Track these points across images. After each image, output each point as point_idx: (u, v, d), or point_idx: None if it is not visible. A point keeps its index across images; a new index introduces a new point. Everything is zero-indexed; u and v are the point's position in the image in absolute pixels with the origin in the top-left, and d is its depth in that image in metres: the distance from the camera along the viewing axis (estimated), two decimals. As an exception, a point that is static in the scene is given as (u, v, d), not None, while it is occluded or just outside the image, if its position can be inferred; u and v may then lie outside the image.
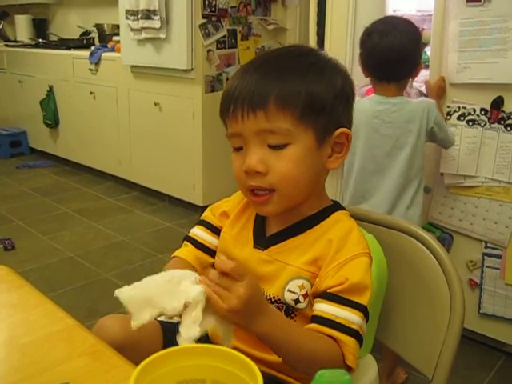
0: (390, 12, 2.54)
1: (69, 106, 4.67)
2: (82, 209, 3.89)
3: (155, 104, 3.78)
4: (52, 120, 4.80)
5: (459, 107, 2.03)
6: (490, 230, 2.05)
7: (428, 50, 2.19)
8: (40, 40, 5.36)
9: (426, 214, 2.16)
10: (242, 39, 3.70)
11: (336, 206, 1.00)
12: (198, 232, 1.09)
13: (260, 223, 1.01)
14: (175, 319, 0.82)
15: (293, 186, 0.91)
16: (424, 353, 0.98)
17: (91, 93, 4.33)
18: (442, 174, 2.11)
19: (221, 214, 1.08)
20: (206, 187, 3.63)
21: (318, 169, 0.93)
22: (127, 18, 3.68)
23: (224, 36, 3.57)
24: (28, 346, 0.85)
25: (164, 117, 3.78)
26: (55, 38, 5.34)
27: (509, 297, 2.06)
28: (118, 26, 4.07)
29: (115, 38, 4.22)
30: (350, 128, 0.95)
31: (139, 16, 3.56)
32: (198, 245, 1.08)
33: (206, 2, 3.41)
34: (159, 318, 0.83)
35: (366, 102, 1.87)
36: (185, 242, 1.10)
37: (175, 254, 1.08)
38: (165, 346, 1.02)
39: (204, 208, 1.14)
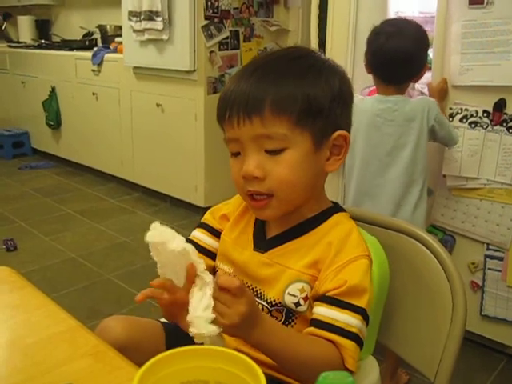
0: (391, 14, 2.54)
1: (71, 106, 4.67)
2: (84, 210, 3.90)
3: (157, 105, 3.78)
4: (54, 121, 4.80)
5: (461, 109, 2.03)
6: (492, 232, 2.05)
7: (430, 52, 2.19)
8: (42, 41, 5.37)
9: (428, 216, 2.16)
10: (244, 41, 3.70)
11: (336, 208, 1.00)
12: (199, 235, 1.09)
13: (260, 226, 1.01)
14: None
15: (291, 190, 0.90)
16: (426, 355, 0.98)
17: (93, 94, 4.34)
18: (444, 176, 2.11)
19: (221, 217, 1.08)
20: (208, 188, 3.63)
21: (316, 172, 0.93)
22: (130, 19, 3.69)
23: (226, 37, 3.58)
24: (30, 346, 0.85)
25: (166, 118, 3.78)
26: (58, 39, 5.36)
27: (510, 299, 2.06)
28: (120, 27, 4.07)
29: (118, 39, 4.23)
30: (348, 130, 0.95)
31: (142, 17, 3.56)
32: (198, 247, 1.07)
33: (209, 4, 3.42)
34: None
35: (368, 101, 1.88)
36: None
37: None
38: (167, 347, 1.02)
39: (206, 209, 1.14)
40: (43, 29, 5.71)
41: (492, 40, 1.90)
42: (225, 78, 3.58)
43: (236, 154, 0.92)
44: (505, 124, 1.95)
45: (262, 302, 0.95)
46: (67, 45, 4.84)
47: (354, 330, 0.86)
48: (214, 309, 0.77)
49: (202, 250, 1.07)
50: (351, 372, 0.84)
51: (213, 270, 1.07)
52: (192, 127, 3.60)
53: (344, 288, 0.86)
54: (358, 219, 1.04)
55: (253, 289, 0.97)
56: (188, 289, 0.80)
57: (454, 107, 2.05)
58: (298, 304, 0.92)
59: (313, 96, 0.88)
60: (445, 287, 0.95)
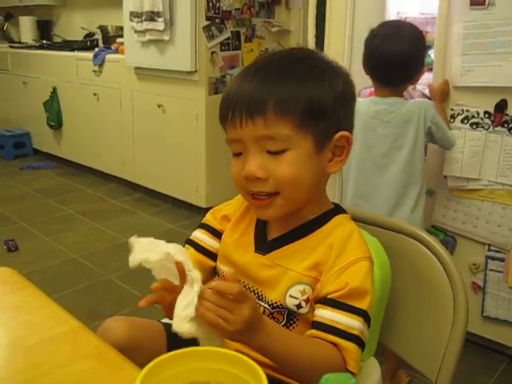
0: (391, 14, 2.54)
1: (72, 107, 4.67)
2: (86, 210, 3.90)
3: (159, 106, 3.78)
4: (56, 121, 4.80)
5: (463, 110, 2.03)
6: (493, 233, 2.05)
7: (432, 53, 2.19)
8: (44, 41, 5.37)
9: (429, 217, 2.16)
10: (245, 41, 3.70)
11: (337, 210, 0.99)
12: (199, 235, 1.09)
13: (261, 227, 1.01)
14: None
15: (295, 187, 0.90)
16: (427, 356, 0.98)
17: (95, 94, 4.34)
18: (445, 177, 2.11)
19: (222, 218, 1.08)
20: (210, 189, 3.63)
21: (318, 173, 0.92)
22: (131, 19, 3.69)
23: (228, 38, 3.58)
24: (32, 347, 0.85)
25: (167, 118, 3.78)
26: (59, 40, 5.36)
27: (512, 300, 2.06)
28: (121, 28, 4.07)
29: (119, 40, 4.23)
30: (351, 131, 0.95)
31: (143, 18, 3.56)
32: (199, 248, 1.08)
33: (210, 4, 3.42)
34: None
35: (364, 103, 1.89)
36: (186, 246, 1.09)
37: None
38: (168, 348, 1.03)
39: (207, 210, 1.14)
40: (45, 29, 5.71)
41: (493, 41, 1.90)
42: (226, 79, 3.58)
43: (238, 154, 0.92)
44: (506, 125, 1.95)
45: (263, 303, 0.95)
46: (68, 45, 4.84)
47: (355, 332, 0.86)
48: (218, 315, 0.77)
49: (202, 250, 1.07)
50: (353, 374, 0.84)
51: (213, 271, 1.07)
52: (193, 128, 3.60)
53: (345, 290, 0.86)
54: (359, 220, 1.04)
55: (254, 290, 0.97)
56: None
57: (455, 108, 2.05)
58: (299, 306, 0.91)
59: (316, 97, 0.88)
60: (446, 288, 0.95)
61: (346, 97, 0.93)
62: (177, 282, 0.83)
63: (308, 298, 0.91)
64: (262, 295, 0.96)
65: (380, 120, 1.85)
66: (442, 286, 0.96)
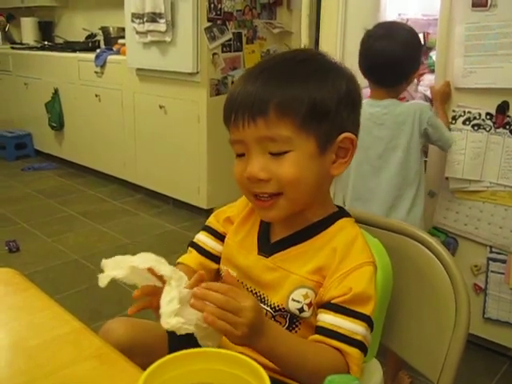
0: (392, 15, 2.55)
1: (74, 108, 4.68)
2: (87, 211, 3.90)
3: (160, 107, 3.79)
4: (57, 122, 4.81)
5: (464, 111, 2.03)
6: (494, 235, 2.04)
7: (433, 55, 2.19)
8: (46, 42, 5.38)
9: (430, 218, 2.16)
10: (247, 42, 3.70)
11: (341, 213, 0.99)
12: (203, 238, 1.09)
13: (265, 229, 1.00)
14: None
15: (297, 187, 0.89)
16: (429, 357, 0.98)
17: (96, 95, 4.34)
18: (446, 179, 2.11)
19: (225, 220, 1.08)
20: (211, 190, 3.63)
21: (321, 174, 0.92)
22: (133, 20, 3.69)
23: (229, 39, 3.58)
24: (34, 348, 0.85)
25: (169, 120, 3.79)
26: (61, 41, 5.37)
27: (514, 302, 2.06)
28: (123, 29, 4.08)
29: (121, 41, 4.23)
30: (356, 132, 0.94)
31: (145, 19, 3.57)
32: (201, 251, 1.07)
33: (212, 6, 3.42)
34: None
35: None
36: (189, 249, 1.10)
37: (179, 260, 1.08)
38: (170, 348, 1.03)
39: (208, 211, 1.15)
40: (46, 30, 5.72)
41: (495, 42, 1.90)
42: (227, 80, 3.58)
43: (241, 155, 0.92)
44: (508, 126, 1.95)
45: (265, 306, 0.94)
46: (70, 46, 4.85)
47: (358, 337, 0.85)
48: (225, 319, 0.76)
49: (205, 253, 1.07)
50: (355, 378, 0.84)
51: (217, 273, 1.07)
52: (195, 129, 3.60)
53: (349, 296, 0.86)
54: (360, 221, 1.04)
55: (256, 293, 0.96)
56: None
57: (456, 110, 2.05)
58: (301, 310, 0.91)
59: (318, 99, 0.87)
60: (448, 290, 0.95)
61: (350, 98, 0.93)
62: (160, 285, 0.84)
63: (310, 302, 0.91)
64: (264, 298, 0.95)
65: (374, 122, 1.86)
66: (444, 287, 0.96)
